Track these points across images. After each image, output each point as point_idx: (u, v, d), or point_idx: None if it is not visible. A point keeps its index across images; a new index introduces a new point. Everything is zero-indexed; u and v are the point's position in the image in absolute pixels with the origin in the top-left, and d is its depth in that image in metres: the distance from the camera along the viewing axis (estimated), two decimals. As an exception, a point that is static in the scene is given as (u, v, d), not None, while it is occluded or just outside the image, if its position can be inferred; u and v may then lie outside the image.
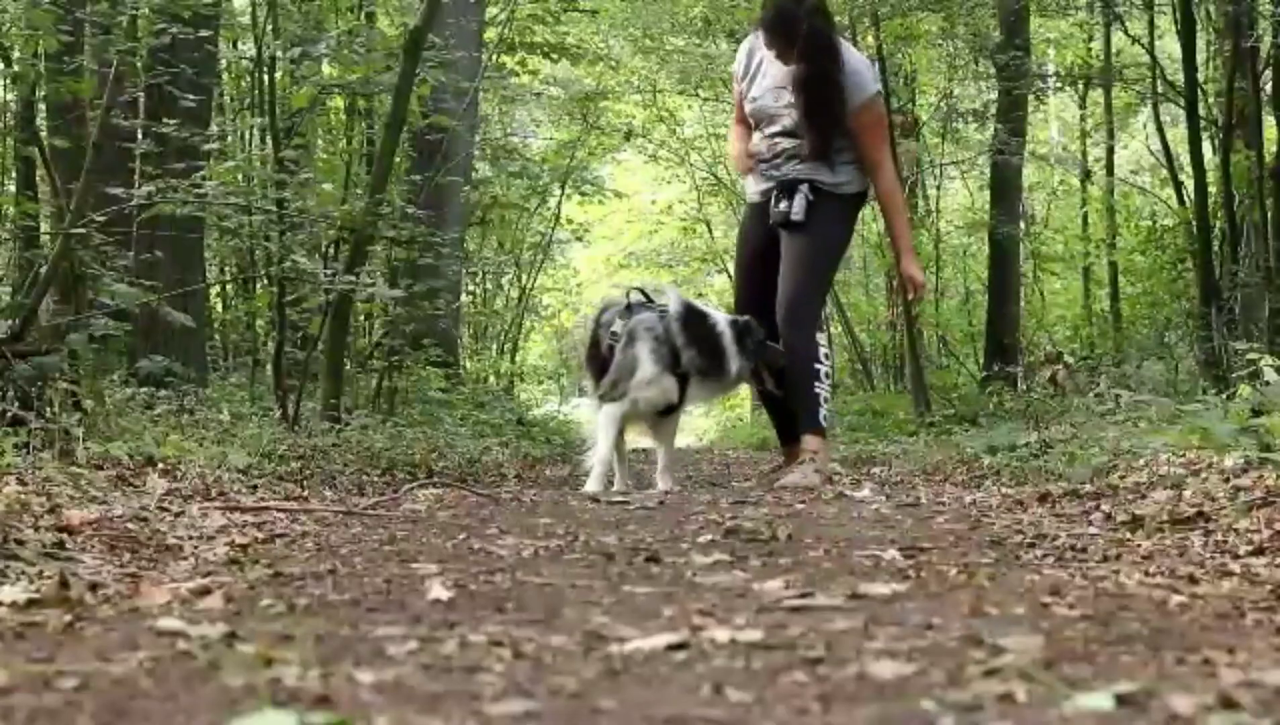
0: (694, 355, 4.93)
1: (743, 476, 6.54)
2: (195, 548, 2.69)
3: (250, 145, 10.71)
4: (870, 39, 12.02)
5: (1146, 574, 2.27)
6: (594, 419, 5.19)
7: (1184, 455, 3.69)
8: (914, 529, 3.10)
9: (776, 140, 5.14)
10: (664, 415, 5.13)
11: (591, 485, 4.90)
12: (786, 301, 5.05)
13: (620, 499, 4.20)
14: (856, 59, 5.24)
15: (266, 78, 7.49)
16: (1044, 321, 14.94)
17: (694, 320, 4.99)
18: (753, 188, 5.34)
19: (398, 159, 8.25)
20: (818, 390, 5.02)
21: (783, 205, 5.06)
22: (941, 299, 15.63)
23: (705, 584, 2.18)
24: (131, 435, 4.11)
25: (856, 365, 15.87)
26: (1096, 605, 1.92)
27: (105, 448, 3.70)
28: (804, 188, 5.05)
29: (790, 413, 5.19)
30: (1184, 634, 1.71)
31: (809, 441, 5.02)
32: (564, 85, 17.36)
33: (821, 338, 5.21)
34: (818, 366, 5.03)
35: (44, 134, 6.16)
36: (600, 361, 5.11)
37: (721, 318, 5.05)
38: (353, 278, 5.66)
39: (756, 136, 5.23)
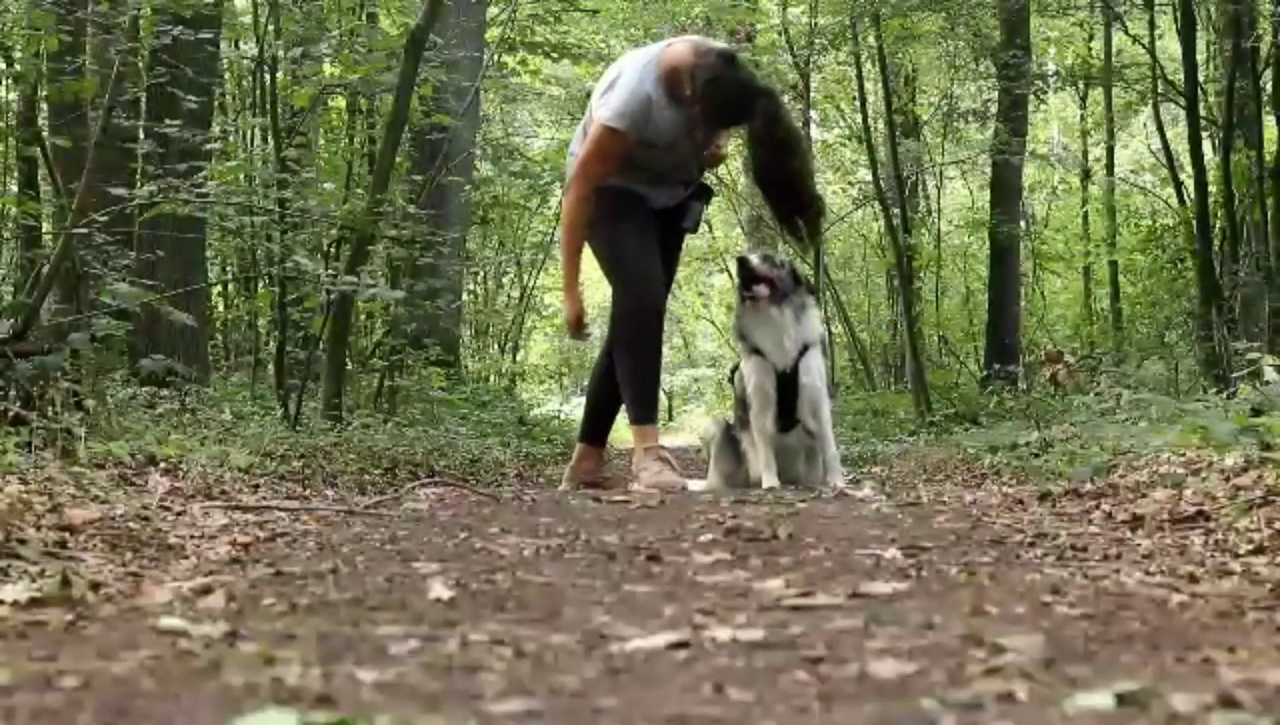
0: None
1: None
2: (197, 547, 2.70)
3: (252, 145, 10.72)
4: (870, 39, 12.03)
5: (1147, 573, 2.27)
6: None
7: (1184, 455, 3.69)
8: (915, 528, 3.10)
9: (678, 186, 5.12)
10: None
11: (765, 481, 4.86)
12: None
13: (620, 498, 4.20)
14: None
15: (268, 78, 7.49)
16: (1044, 321, 14.95)
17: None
18: (655, 193, 5.11)
19: (399, 159, 8.25)
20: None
21: (695, 209, 5.14)
22: (942, 299, 15.63)
23: (706, 583, 2.18)
24: (133, 434, 4.11)
25: (857, 365, 15.87)
26: (1097, 604, 1.92)
27: (107, 447, 3.71)
28: (702, 200, 5.18)
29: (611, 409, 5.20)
30: (1184, 633, 1.71)
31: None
32: (565, 85, 17.36)
33: None
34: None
35: (45, 134, 6.16)
36: None
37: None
38: (354, 277, 5.66)
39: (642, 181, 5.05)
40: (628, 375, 4.98)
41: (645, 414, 4.98)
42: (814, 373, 4.93)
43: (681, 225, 5.22)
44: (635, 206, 5.06)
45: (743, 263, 5.00)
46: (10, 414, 3.67)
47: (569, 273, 5.20)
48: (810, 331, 4.97)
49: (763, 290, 4.91)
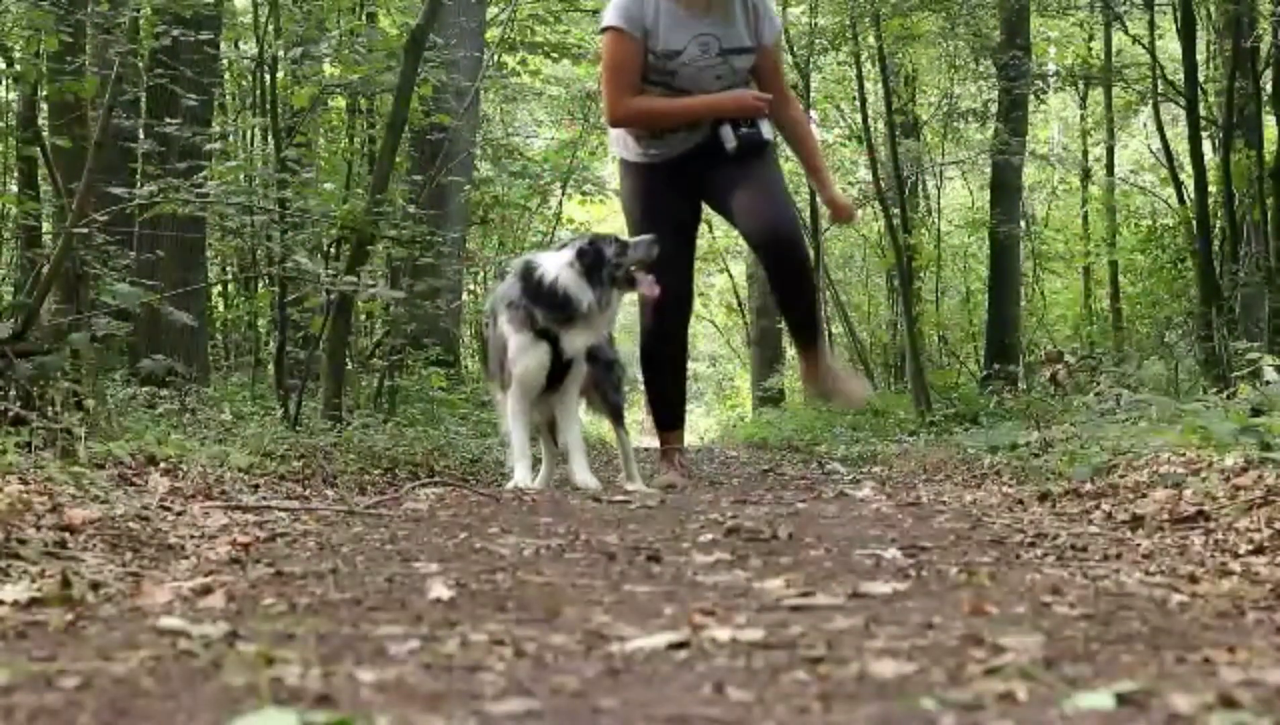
0: (544, 310, 4.58)
1: (742, 475, 6.54)
2: (197, 547, 2.70)
3: (252, 145, 10.72)
4: (870, 39, 12.03)
5: (1147, 573, 2.27)
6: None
7: (1184, 455, 3.69)
8: (915, 528, 3.10)
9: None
10: (555, 389, 4.77)
11: (515, 478, 4.67)
12: (785, 221, 4.90)
13: (621, 498, 4.20)
14: None
15: (268, 77, 7.49)
16: (1044, 321, 14.95)
17: (530, 274, 4.64)
18: (656, 145, 4.91)
19: (399, 159, 8.25)
20: (818, 310, 5.34)
21: (742, 129, 4.76)
22: (942, 299, 15.63)
23: (706, 583, 2.18)
24: (133, 434, 4.11)
25: (857, 365, 15.87)
26: (1097, 604, 1.93)
27: (107, 447, 3.71)
28: (738, 126, 4.79)
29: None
30: (1184, 633, 1.71)
31: (820, 354, 5.15)
32: (565, 85, 17.37)
33: None
34: (815, 281, 5.31)
35: (45, 133, 6.16)
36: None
37: (551, 259, 4.66)
38: (354, 277, 5.66)
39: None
40: (648, 390, 5.26)
41: (662, 422, 5.21)
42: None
43: (725, 154, 4.83)
44: (654, 201, 4.94)
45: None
46: (10, 414, 3.67)
47: (692, 106, 4.84)
48: None
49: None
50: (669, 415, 5.20)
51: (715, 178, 4.88)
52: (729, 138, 4.80)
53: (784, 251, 4.89)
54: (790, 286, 5.00)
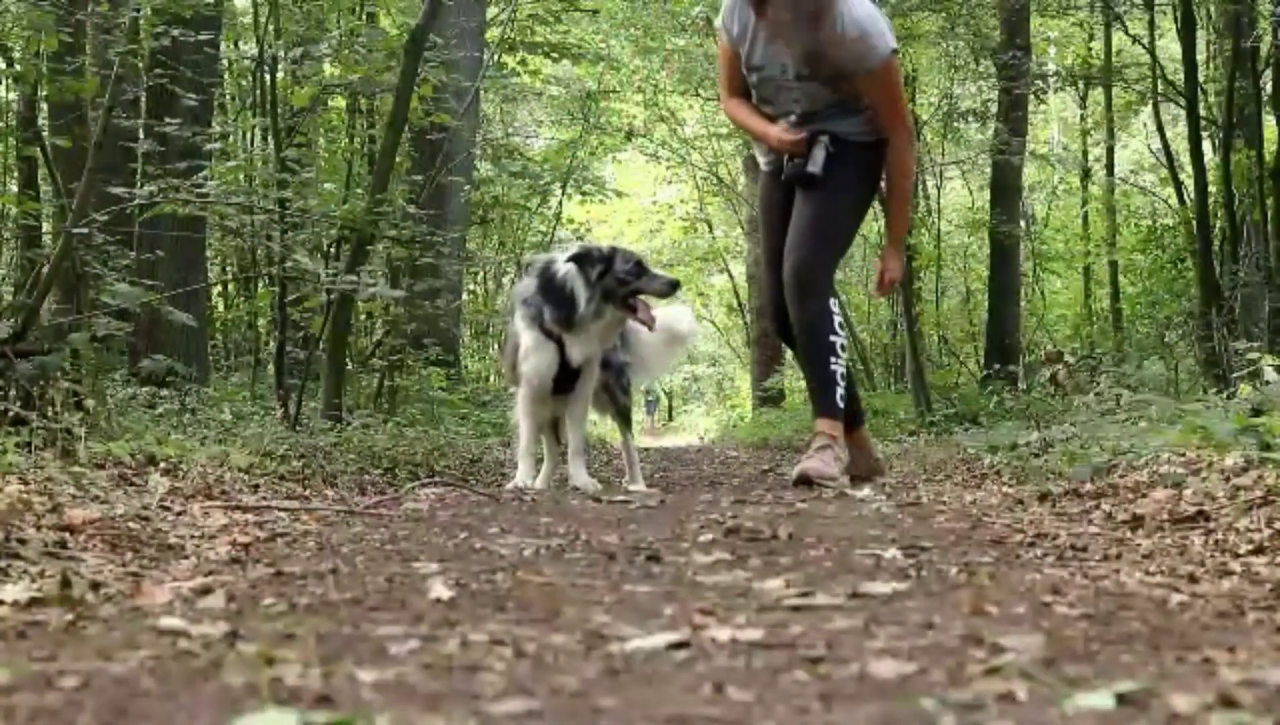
0: (551, 308, 4.56)
1: (742, 475, 6.54)
2: (197, 547, 2.70)
3: (252, 145, 10.73)
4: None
5: (1147, 573, 2.27)
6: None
7: (1184, 455, 3.69)
8: (915, 528, 3.10)
9: (789, 116, 4.66)
10: (565, 391, 4.76)
11: (517, 476, 4.71)
12: (794, 270, 4.56)
13: (621, 498, 4.20)
14: (861, 14, 4.47)
15: (268, 77, 7.49)
16: (1044, 321, 14.97)
17: (546, 270, 4.62)
18: (765, 155, 4.88)
19: (399, 159, 8.25)
20: (833, 367, 4.52)
21: (798, 160, 4.60)
22: (942, 299, 15.64)
23: (706, 583, 2.18)
24: (133, 434, 4.11)
25: (857, 365, 15.87)
26: (1097, 604, 1.92)
27: (107, 447, 3.71)
28: (823, 139, 4.57)
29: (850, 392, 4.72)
30: (1184, 633, 1.71)
31: (825, 425, 4.56)
32: (565, 85, 17.38)
33: (835, 306, 4.63)
34: (832, 339, 4.53)
35: (45, 133, 6.17)
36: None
37: (561, 257, 4.66)
38: (354, 277, 5.66)
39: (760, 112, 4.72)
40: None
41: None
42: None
43: (801, 182, 4.62)
44: (766, 205, 4.91)
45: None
46: (10, 414, 3.67)
47: (755, 123, 4.74)
48: None
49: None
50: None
51: (794, 201, 4.77)
52: (786, 166, 4.71)
53: (792, 299, 4.60)
54: (799, 343, 4.66)
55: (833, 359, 4.54)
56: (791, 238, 4.64)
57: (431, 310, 8.96)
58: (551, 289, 4.59)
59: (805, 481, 4.40)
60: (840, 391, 4.57)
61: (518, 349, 4.72)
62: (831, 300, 4.62)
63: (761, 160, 4.98)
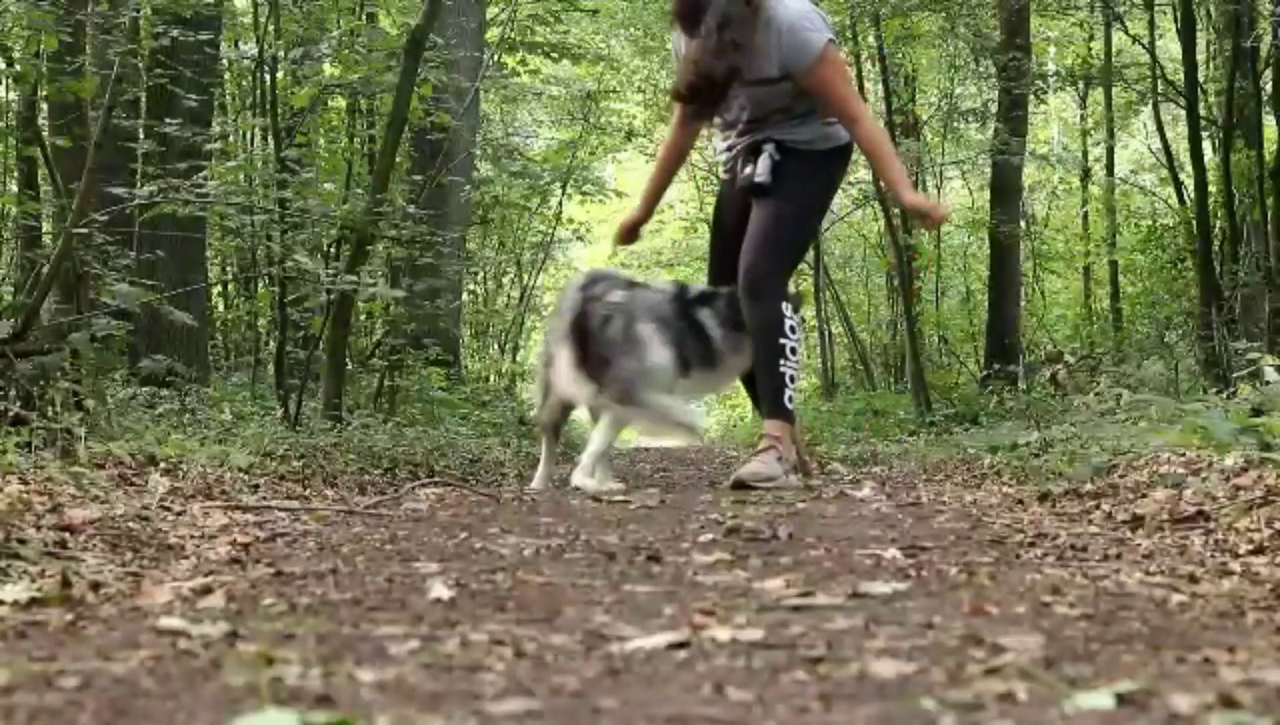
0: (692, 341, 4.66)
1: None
2: (197, 547, 2.70)
3: (252, 145, 10.73)
4: (870, 39, 12.03)
5: (1147, 573, 2.27)
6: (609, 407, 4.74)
7: (1184, 455, 3.69)
8: (914, 528, 3.10)
9: (731, 130, 4.82)
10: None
11: (695, 426, 4.74)
12: (745, 273, 4.64)
13: (621, 498, 4.20)
14: (791, 13, 4.56)
15: (268, 77, 7.49)
16: (1044, 321, 14.96)
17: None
18: (722, 158, 4.97)
19: (399, 159, 8.25)
20: (782, 369, 4.59)
21: (747, 169, 4.70)
22: (942, 299, 15.63)
23: (706, 583, 2.18)
24: (133, 434, 4.11)
25: (857, 365, 15.87)
26: (1097, 604, 1.92)
27: (107, 447, 3.71)
28: (769, 148, 4.66)
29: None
30: (1184, 633, 1.71)
31: (770, 427, 4.60)
32: (565, 85, 17.37)
33: (788, 309, 4.67)
34: (782, 342, 4.59)
35: (45, 133, 6.16)
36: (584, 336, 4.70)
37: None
38: (354, 277, 5.66)
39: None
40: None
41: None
42: None
43: (750, 191, 4.75)
44: (720, 197, 5.09)
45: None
46: (10, 414, 3.67)
47: (648, 184, 5.23)
48: None
49: None
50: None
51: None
52: (738, 176, 4.82)
53: (744, 303, 4.66)
54: (752, 345, 4.70)
55: (782, 362, 4.60)
56: (745, 243, 4.72)
57: (431, 310, 8.96)
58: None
59: (741, 486, 4.43)
60: (789, 393, 4.63)
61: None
62: (785, 304, 4.67)
63: (721, 165, 5.10)
